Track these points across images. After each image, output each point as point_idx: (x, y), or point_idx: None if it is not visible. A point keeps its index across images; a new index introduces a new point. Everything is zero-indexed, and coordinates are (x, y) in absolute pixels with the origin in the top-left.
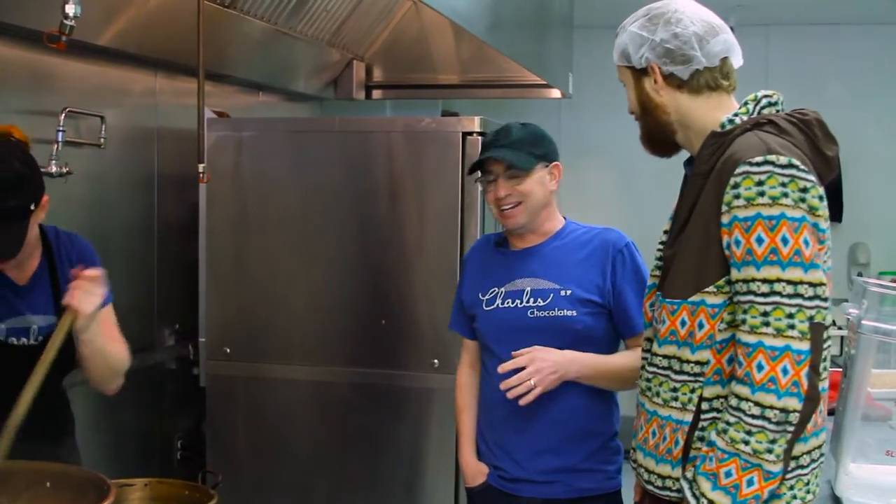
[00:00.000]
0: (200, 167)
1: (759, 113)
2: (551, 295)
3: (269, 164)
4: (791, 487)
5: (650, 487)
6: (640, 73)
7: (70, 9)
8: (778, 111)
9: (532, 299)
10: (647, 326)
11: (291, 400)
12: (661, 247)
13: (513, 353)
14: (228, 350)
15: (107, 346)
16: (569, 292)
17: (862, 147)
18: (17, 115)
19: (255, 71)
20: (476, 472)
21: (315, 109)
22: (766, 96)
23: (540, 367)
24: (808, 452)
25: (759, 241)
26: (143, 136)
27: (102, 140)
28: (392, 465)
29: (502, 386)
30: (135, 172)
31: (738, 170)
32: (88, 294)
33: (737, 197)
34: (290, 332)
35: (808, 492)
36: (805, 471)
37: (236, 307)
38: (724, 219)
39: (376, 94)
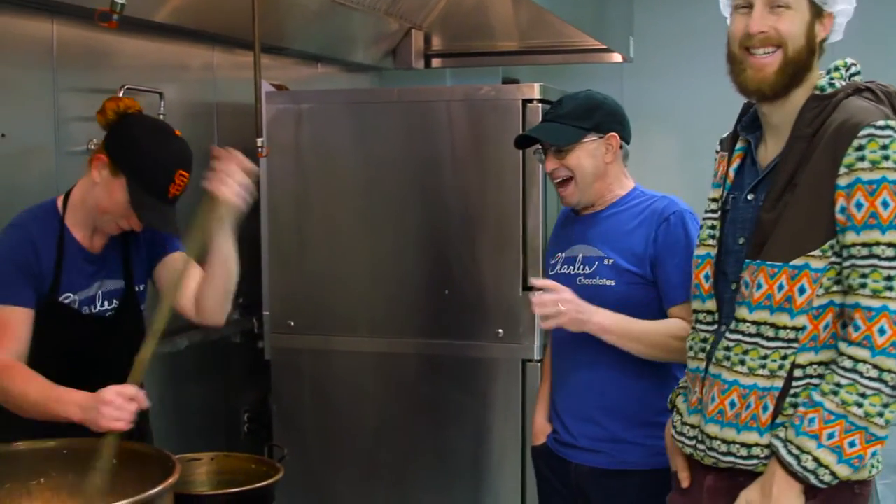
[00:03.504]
0: (259, 141)
1: (849, 79)
2: (596, 263)
3: (329, 136)
4: (874, 454)
5: (729, 459)
6: (818, 13)
7: None
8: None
9: (582, 266)
10: (706, 299)
11: (356, 372)
12: (711, 215)
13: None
14: (292, 323)
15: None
16: (611, 261)
17: None
18: (75, 94)
19: (313, 43)
20: (539, 430)
21: (374, 80)
22: (853, 64)
23: (571, 297)
24: None
25: (885, 204)
26: (202, 111)
27: (162, 116)
28: (458, 436)
29: (534, 299)
30: (194, 148)
31: (863, 132)
32: (234, 182)
33: (861, 159)
34: (352, 304)
35: (878, 461)
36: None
37: (299, 280)
38: (843, 181)
39: (435, 62)
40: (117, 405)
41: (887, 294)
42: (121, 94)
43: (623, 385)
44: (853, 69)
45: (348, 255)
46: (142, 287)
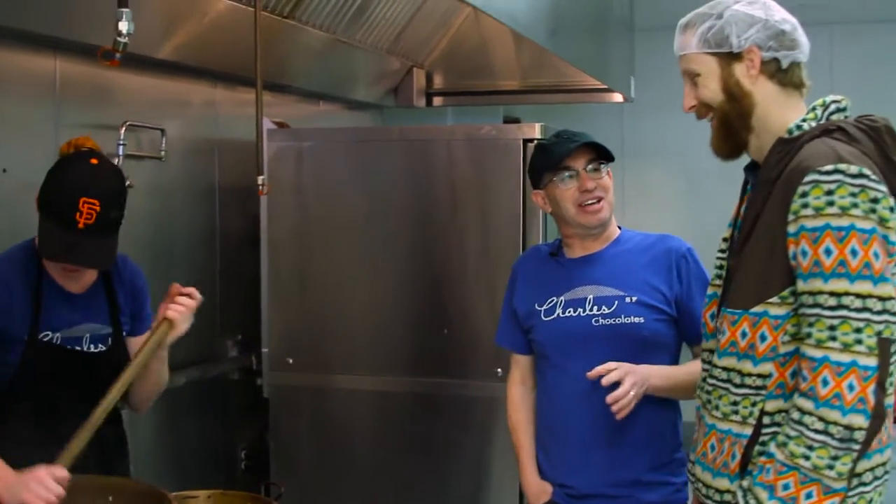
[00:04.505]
0: (260, 179)
1: (827, 119)
2: (616, 302)
3: (330, 173)
4: None
5: (709, 502)
6: (731, 59)
7: (123, 26)
8: (846, 117)
9: (596, 307)
10: (710, 338)
11: (355, 410)
12: (720, 255)
13: (589, 374)
14: (291, 360)
15: (165, 365)
16: (634, 299)
17: None
18: (77, 129)
19: (315, 80)
20: (539, 491)
21: (376, 117)
22: (834, 101)
23: (636, 380)
24: (871, 469)
25: (828, 252)
26: (203, 147)
27: (163, 153)
28: (456, 475)
29: (609, 399)
30: (196, 184)
31: (807, 178)
32: (188, 313)
33: (805, 206)
34: (352, 341)
35: None
36: (868, 488)
37: (299, 318)
38: (791, 228)
39: (437, 101)
40: (46, 484)
41: (829, 344)
42: (122, 131)
43: (648, 428)
44: (834, 107)
45: (348, 293)
46: (126, 330)
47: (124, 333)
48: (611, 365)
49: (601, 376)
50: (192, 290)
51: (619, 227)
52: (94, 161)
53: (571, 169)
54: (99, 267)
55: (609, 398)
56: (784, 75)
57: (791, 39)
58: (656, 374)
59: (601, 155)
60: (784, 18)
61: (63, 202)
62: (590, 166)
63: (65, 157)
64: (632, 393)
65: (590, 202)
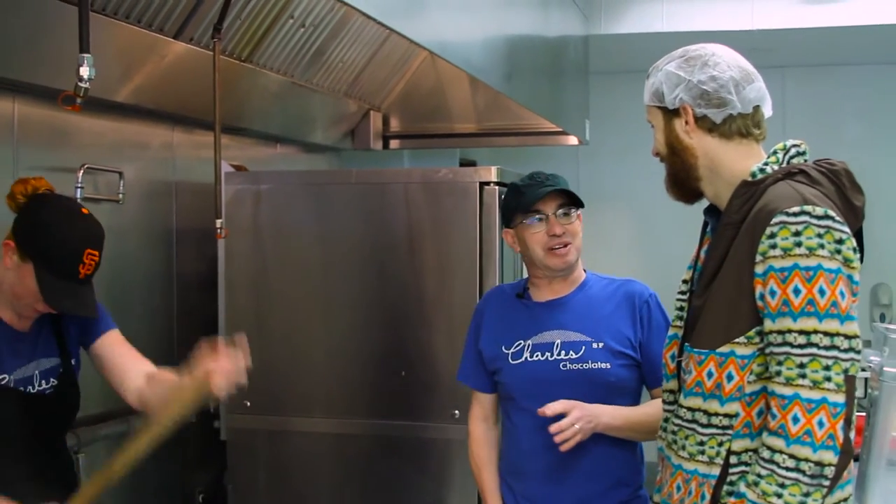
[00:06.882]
0: (218, 223)
1: (788, 162)
2: (583, 347)
3: (288, 216)
4: None
5: None
6: (671, 114)
7: (84, 71)
8: (805, 160)
9: (563, 352)
10: (670, 378)
11: (312, 452)
12: (681, 296)
13: (539, 410)
14: (248, 403)
15: None
16: (601, 344)
17: (881, 186)
18: (35, 172)
19: (273, 123)
20: None
21: (333, 160)
22: (794, 146)
23: (582, 414)
24: None
25: (796, 291)
26: (161, 190)
27: (121, 196)
28: None
29: (553, 429)
30: (153, 227)
31: (775, 220)
32: (230, 379)
33: (773, 247)
34: (309, 384)
35: None
36: None
37: (256, 360)
38: (759, 269)
39: (394, 143)
40: None
41: (799, 382)
42: (80, 174)
43: (608, 463)
44: (793, 150)
45: (305, 335)
46: (74, 361)
47: (73, 363)
48: (554, 404)
49: (553, 415)
50: (240, 346)
51: (585, 271)
52: (85, 211)
53: (541, 213)
54: (94, 315)
55: (552, 428)
56: (724, 127)
57: (717, 98)
58: (608, 414)
59: (572, 200)
60: (712, 77)
61: (69, 254)
62: (560, 211)
63: (52, 206)
64: (576, 426)
65: (557, 247)
